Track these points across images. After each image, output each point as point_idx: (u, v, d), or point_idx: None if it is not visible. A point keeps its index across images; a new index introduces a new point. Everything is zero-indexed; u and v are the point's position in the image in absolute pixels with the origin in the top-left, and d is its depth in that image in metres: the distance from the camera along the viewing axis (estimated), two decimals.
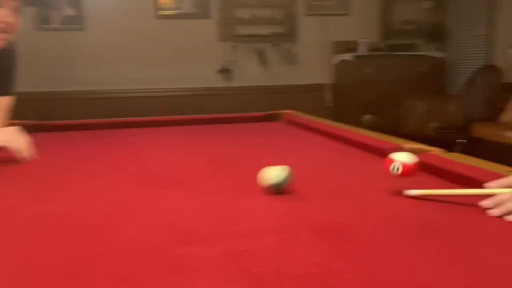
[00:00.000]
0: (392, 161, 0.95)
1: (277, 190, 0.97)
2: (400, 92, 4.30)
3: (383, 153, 1.21)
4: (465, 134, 3.64)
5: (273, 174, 0.96)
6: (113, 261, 0.69)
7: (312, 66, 4.51)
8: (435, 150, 1.29)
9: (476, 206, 0.85)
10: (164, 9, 4.15)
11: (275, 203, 0.96)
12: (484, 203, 0.84)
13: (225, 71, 4.28)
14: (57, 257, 0.71)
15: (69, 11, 3.96)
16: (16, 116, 2.00)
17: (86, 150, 1.67)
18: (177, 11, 4.18)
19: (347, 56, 4.47)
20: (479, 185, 0.93)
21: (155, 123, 2.23)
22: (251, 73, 4.37)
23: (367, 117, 4.19)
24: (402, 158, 0.94)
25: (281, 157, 1.49)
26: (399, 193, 0.95)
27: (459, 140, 3.57)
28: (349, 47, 4.46)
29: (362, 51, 4.46)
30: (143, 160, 1.48)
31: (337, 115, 4.21)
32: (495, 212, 0.82)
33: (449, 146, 1.41)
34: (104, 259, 0.70)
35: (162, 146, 1.73)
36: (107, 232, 0.81)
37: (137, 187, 1.12)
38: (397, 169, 0.92)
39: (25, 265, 0.68)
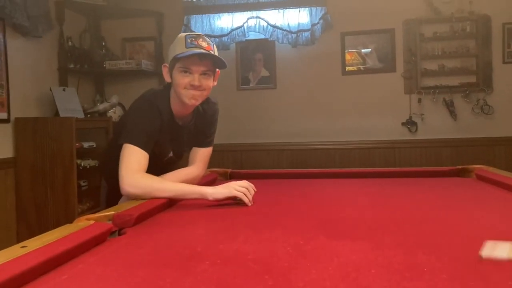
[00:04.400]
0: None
1: None
2: None
3: None
4: None
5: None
6: None
7: (509, 117, 4.10)
8: None
9: None
10: (351, 65, 4.30)
11: (454, 263, 0.92)
12: None
13: (410, 123, 4.18)
14: None
15: (264, 73, 4.40)
16: (215, 164, 2.28)
17: (273, 197, 1.82)
18: (363, 66, 4.29)
19: None
20: None
21: (338, 175, 2.30)
22: (437, 125, 4.18)
23: None
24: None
25: (465, 215, 1.40)
26: None
27: None
28: None
29: None
30: (324, 209, 1.55)
31: None
32: None
33: None
34: None
35: (343, 198, 1.78)
36: (288, 274, 0.89)
37: (315, 235, 1.19)
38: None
39: None
